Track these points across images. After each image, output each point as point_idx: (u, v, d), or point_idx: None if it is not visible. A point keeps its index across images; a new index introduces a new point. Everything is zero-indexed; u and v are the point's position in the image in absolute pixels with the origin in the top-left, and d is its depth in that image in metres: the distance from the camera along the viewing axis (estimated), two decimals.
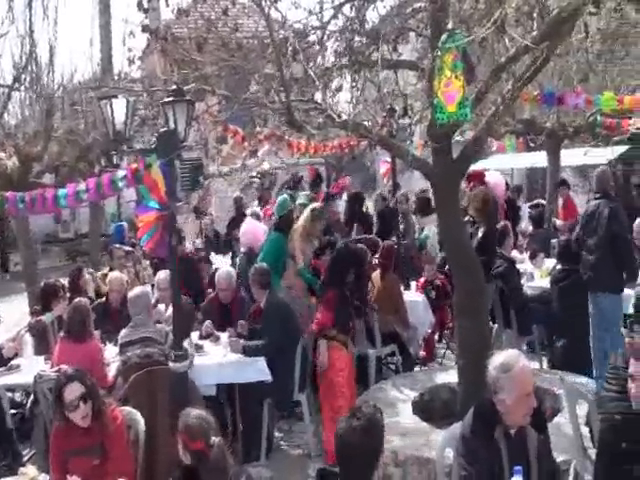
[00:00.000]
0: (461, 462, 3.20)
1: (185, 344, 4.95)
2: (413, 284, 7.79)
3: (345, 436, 2.55)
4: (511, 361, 3.13)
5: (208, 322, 5.98)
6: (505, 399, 3.10)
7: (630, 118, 7.57)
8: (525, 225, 10.18)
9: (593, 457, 3.75)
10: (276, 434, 5.96)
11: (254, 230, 7.94)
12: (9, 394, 5.75)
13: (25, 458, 5.76)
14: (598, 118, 8.16)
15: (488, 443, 3.12)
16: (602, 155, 11.13)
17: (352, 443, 2.53)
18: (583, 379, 5.04)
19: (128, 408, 4.33)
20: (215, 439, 3.26)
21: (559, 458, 3.79)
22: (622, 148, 11.86)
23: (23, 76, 8.98)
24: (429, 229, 8.89)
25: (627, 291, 5.74)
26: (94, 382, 3.97)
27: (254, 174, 11.32)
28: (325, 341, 5.47)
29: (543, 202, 10.80)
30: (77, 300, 5.59)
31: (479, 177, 7.75)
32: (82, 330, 5.26)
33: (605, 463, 3.16)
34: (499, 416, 3.12)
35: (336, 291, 5.61)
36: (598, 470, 3.26)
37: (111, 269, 7.73)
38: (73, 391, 3.77)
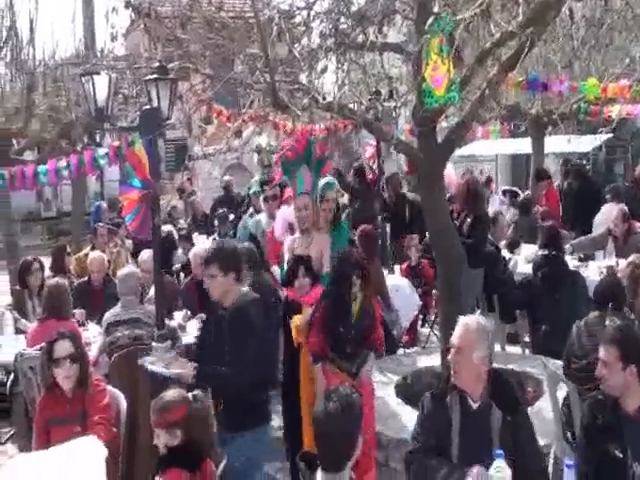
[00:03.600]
0: (417, 420, 3.26)
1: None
2: (397, 268, 7.83)
3: (320, 419, 2.55)
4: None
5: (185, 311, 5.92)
6: None
7: (613, 106, 7.60)
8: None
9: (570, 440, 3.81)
10: None
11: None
12: None
13: (5, 437, 5.76)
14: (582, 105, 8.18)
15: (440, 406, 3.15)
16: (585, 143, 11.22)
17: (327, 425, 2.53)
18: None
19: (111, 387, 4.32)
20: (195, 393, 3.27)
21: (539, 442, 3.85)
22: (605, 136, 11.97)
23: (4, 51, 8.83)
24: None
25: None
26: (84, 349, 3.97)
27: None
28: (320, 366, 4.56)
29: (517, 190, 10.81)
30: (55, 280, 5.54)
31: None
32: (61, 310, 5.22)
33: (583, 440, 3.17)
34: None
35: (328, 307, 4.52)
36: (578, 448, 3.29)
37: (93, 248, 7.67)
38: (63, 348, 3.81)
